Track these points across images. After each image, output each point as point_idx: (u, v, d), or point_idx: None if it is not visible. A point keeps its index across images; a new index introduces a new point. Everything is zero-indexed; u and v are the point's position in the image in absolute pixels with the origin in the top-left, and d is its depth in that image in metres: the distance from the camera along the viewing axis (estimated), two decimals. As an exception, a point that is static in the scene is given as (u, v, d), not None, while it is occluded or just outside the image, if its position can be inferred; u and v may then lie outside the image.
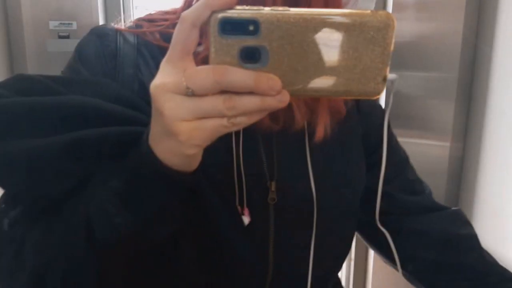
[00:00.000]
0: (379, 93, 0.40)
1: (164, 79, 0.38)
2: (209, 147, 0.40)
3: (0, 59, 1.28)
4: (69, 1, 1.30)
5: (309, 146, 0.60)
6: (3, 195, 0.52)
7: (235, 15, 0.37)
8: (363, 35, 0.39)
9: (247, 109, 0.37)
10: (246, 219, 0.57)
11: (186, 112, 0.37)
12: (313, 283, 0.62)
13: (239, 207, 0.57)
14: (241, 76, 0.36)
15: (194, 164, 0.42)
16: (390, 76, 0.41)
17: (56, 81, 0.50)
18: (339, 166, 0.64)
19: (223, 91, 0.37)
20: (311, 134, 0.60)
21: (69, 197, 0.46)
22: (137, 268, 0.48)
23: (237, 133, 0.56)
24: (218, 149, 0.43)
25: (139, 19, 0.62)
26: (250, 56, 0.38)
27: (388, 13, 0.38)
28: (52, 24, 1.31)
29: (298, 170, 0.60)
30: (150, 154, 0.41)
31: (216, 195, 0.51)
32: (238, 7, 0.38)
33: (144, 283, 0.49)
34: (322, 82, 0.39)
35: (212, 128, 0.37)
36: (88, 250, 0.44)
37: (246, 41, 0.38)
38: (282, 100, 0.37)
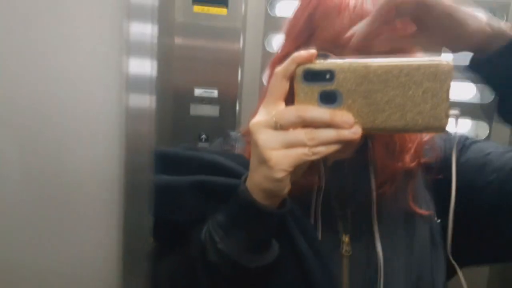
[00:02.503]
0: (444, 127, 0.46)
1: (260, 118, 0.49)
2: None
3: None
4: (213, 71, 1.41)
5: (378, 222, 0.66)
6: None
7: (315, 66, 0.47)
8: (426, 78, 0.45)
9: (324, 140, 0.46)
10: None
11: (275, 142, 0.47)
12: None
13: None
14: (319, 113, 0.46)
15: (282, 189, 0.49)
16: (453, 112, 0.47)
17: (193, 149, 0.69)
18: (404, 242, 0.67)
19: (305, 126, 0.46)
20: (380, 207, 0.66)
21: (194, 227, 0.58)
22: None
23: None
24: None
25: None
26: (327, 99, 0.47)
27: (447, 60, 0.45)
28: (197, 91, 1.42)
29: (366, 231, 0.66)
30: (245, 192, 0.51)
31: (299, 232, 0.59)
32: (317, 60, 0.47)
33: None
34: (391, 120, 0.46)
35: (296, 155, 0.46)
36: (204, 270, 0.55)
37: (324, 86, 0.47)
38: (355, 132, 0.46)
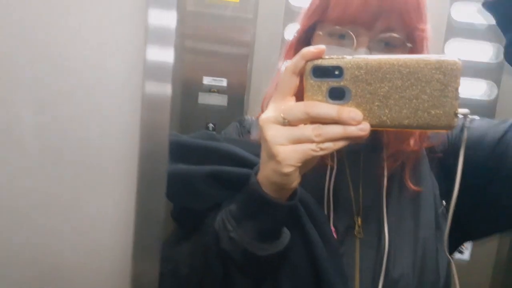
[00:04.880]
0: (453, 126, 0.46)
1: (268, 114, 0.50)
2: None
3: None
4: (223, 60, 1.41)
5: (387, 200, 0.69)
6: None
7: (324, 63, 0.47)
8: (436, 77, 0.45)
9: (332, 136, 0.46)
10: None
11: (283, 138, 0.48)
12: None
13: (333, 228, 0.67)
14: (326, 109, 0.46)
15: (291, 183, 0.50)
16: (462, 110, 0.47)
17: (213, 137, 0.72)
18: (410, 225, 0.69)
19: (313, 122, 0.47)
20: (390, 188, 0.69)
21: (208, 214, 0.60)
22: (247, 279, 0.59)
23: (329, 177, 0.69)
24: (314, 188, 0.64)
25: None
26: (336, 95, 0.47)
27: (456, 58, 0.45)
28: (206, 80, 1.42)
29: (376, 213, 0.69)
30: (255, 184, 0.53)
31: (311, 222, 0.61)
32: (326, 56, 0.48)
33: None
34: (399, 117, 0.46)
35: (303, 151, 0.47)
36: (216, 257, 0.57)
37: (332, 83, 0.47)
38: (363, 129, 0.46)
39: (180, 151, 0.66)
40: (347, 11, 0.62)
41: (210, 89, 1.42)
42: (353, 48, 0.63)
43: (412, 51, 0.66)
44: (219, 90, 1.42)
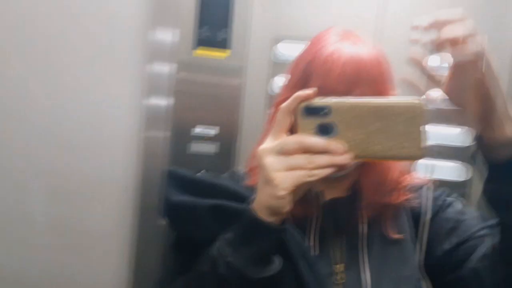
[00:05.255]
0: (421, 156, 0.55)
1: (267, 145, 0.58)
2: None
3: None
4: (214, 109, 1.43)
5: (368, 248, 0.76)
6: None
7: (314, 103, 0.57)
8: (403, 115, 0.54)
9: (321, 164, 0.55)
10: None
11: (279, 165, 0.56)
12: None
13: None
14: (317, 141, 0.56)
15: (285, 206, 0.57)
16: (428, 143, 0.54)
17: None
18: (395, 265, 0.75)
19: (305, 152, 0.55)
20: (371, 238, 0.76)
21: (207, 245, 0.64)
22: None
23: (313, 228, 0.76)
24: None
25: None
26: (324, 130, 0.56)
27: (419, 100, 0.54)
28: (197, 129, 1.43)
29: (357, 260, 0.75)
30: (251, 211, 0.59)
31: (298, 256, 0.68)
32: (316, 98, 0.57)
33: None
34: (377, 149, 0.55)
35: (297, 177, 0.55)
36: (214, 282, 0.62)
37: (321, 120, 0.56)
38: (346, 158, 0.55)
39: (185, 184, 0.73)
40: (327, 82, 0.70)
41: (201, 138, 1.43)
42: None
43: None
44: (210, 139, 1.43)
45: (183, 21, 1.42)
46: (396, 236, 0.77)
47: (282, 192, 0.55)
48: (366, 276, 0.73)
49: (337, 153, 0.55)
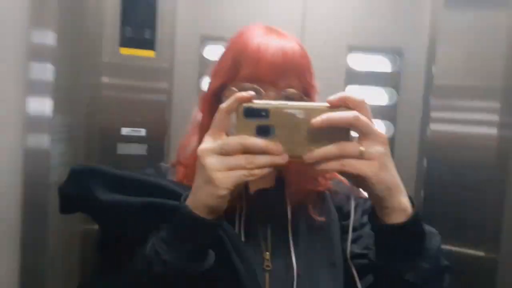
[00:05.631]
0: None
1: (206, 145, 0.59)
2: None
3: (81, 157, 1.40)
4: (141, 110, 1.42)
5: (294, 232, 0.79)
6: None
7: (254, 105, 0.59)
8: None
9: (260, 164, 0.57)
10: None
11: (219, 165, 0.57)
12: None
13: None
14: (256, 142, 0.58)
15: (223, 205, 0.59)
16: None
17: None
18: (322, 250, 0.79)
19: (245, 153, 0.57)
20: (297, 222, 0.80)
21: (139, 244, 0.65)
22: None
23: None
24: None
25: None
26: (263, 132, 0.58)
27: (349, 109, 0.57)
28: (124, 130, 1.42)
29: (285, 246, 0.78)
30: (187, 207, 0.60)
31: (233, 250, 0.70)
32: (255, 101, 0.59)
33: None
34: (309, 150, 0.57)
35: (237, 176, 0.57)
36: (148, 281, 0.62)
37: (260, 122, 0.58)
38: (283, 158, 0.58)
39: (113, 182, 0.72)
40: (256, 71, 0.74)
41: (129, 140, 1.42)
42: None
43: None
44: (138, 140, 1.42)
45: (107, 21, 1.40)
46: (321, 219, 0.81)
47: (223, 192, 0.57)
48: (293, 262, 0.76)
49: (275, 153, 0.57)
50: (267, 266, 0.76)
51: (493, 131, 1.38)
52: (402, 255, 0.63)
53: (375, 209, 0.63)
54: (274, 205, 0.81)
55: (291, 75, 0.75)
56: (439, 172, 1.46)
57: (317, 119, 0.57)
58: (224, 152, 0.58)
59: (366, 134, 0.57)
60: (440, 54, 1.46)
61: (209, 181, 0.57)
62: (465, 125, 1.44)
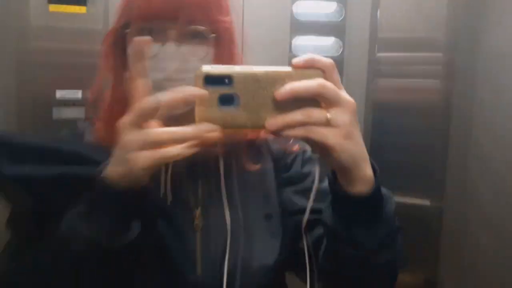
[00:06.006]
0: None
1: (128, 117, 0.51)
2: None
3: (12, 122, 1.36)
4: (75, 73, 1.38)
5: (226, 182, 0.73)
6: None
7: (215, 71, 0.51)
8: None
9: (187, 143, 0.51)
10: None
11: (137, 144, 0.50)
12: None
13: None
14: (184, 129, 0.51)
15: (142, 182, 0.53)
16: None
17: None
18: (257, 201, 0.75)
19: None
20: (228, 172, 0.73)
21: (55, 219, 0.59)
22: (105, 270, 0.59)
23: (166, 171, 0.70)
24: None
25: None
26: (226, 101, 0.51)
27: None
28: (59, 93, 1.38)
29: (217, 201, 0.72)
30: (104, 180, 0.54)
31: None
32: (215, 66, 0.52)
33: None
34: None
35: (155, 158, 0.50)
36: (66, 259, 0.57)
37: (223, 90, 0.51)
38: (214, 136, 0.51)
39: (19, 151, 0.65)
40: (150, 7, 0.65)
41: (64, 103, 1.38)
42: (162, 42, 0.66)
43: (217, 41, 0.69)
44: (74, 103, 1.38)
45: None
46: (255, 167, 0.75)
47: (138, 173, 0.51)
48: (226, 216, 0.71)
49: (203, 135, 0.51)
50: (197, 225, 0.71)
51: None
52: (361, 222, 0.59)
53: (336, 177, 0.58)
54: (202, 159, 0.72)
55: (193, 8, 0.66)
56: (386, 129, 1.47)
57: (281, 91, 0.51)
58: (140, 121, 0.51)
59: (333, 101, 0.52)
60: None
61: (125, 160, 0.51)
62: (411, 78, 1.45)
